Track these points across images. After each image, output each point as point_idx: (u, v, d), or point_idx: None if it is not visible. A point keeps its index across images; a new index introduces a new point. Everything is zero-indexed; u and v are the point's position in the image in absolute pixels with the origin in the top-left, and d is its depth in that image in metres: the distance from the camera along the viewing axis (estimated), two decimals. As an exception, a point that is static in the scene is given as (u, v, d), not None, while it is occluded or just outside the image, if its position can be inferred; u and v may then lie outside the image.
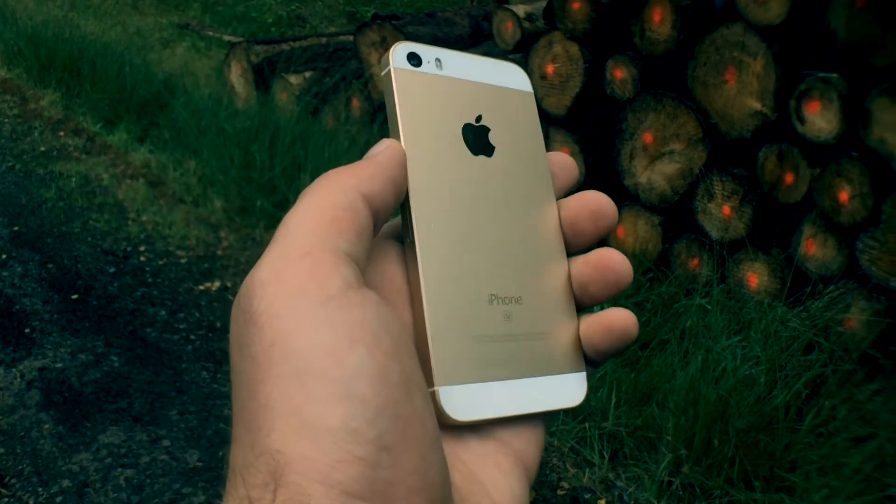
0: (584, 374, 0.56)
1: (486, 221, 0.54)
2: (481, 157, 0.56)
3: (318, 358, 0.41)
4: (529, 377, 0.53)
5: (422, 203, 0.52)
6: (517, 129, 0.59)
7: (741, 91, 3.87)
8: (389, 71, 0.55)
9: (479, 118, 0.57)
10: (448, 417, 0.47)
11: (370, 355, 0.41)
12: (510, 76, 0.61)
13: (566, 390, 0.55)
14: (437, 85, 0.57)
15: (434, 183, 0.53)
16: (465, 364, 0.49)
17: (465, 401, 0.48)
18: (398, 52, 0.56)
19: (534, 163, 0.59)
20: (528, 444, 0.52)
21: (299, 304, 0.42)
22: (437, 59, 0.57)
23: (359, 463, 0.39)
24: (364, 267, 0.46)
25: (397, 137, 0.53)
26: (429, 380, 0.47)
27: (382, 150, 0.51)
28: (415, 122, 0.54)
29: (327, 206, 0.46)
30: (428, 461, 0.42)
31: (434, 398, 0.47)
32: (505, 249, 0.54)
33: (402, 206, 0.52)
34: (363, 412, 0.40)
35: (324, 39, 6.95)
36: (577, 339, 0.56)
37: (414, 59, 0.56)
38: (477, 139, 0.56)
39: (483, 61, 0.60)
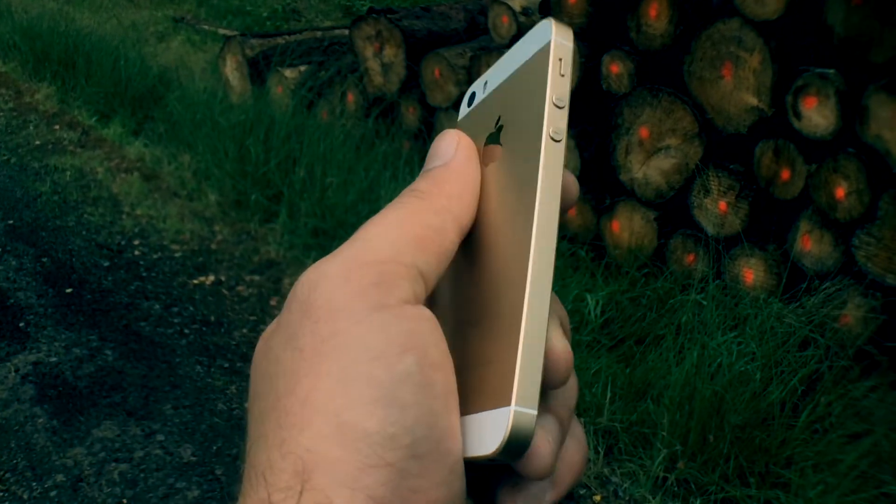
0: (507, 409, 0.42)
1: (483, 237, 0.49)
2: (491, 165, 0.50)
3: (367, 361, 0.41)
4: (464, 415, 0.44)
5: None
6: (525, 106, 0.49)
7: (738, 86, 3.86)
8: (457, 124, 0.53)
9: (497, 121, 0.51)
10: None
11: (418, 364, 0.41)
12: (536, 40, 0.50)
13: (483, 432, 0.43)
14: (475, 114, 0.54)
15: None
16: None
17: None
18: (463, 102, 0.55)
19: (530, 136, 0.48)
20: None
21: (358, 305, 0.42)
22: (485, 83, 0.55)
23: (388, 469, 0.40)
24: (432, 287, 0.46)
25: None
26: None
27: (455, 152, 0.50)
28: None
29: (417, 223, 0.46)
30: (454, 475, 0.42)
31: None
32: (486, 269, 0.48)
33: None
34: (402, 419, 0.40)
35: (319, 33, 6.94)
36: (511, 369, 0.43)
37: (471, 99, 0.55)
38: (491, 148, 0.51)
39: (519, 45, 0.52)
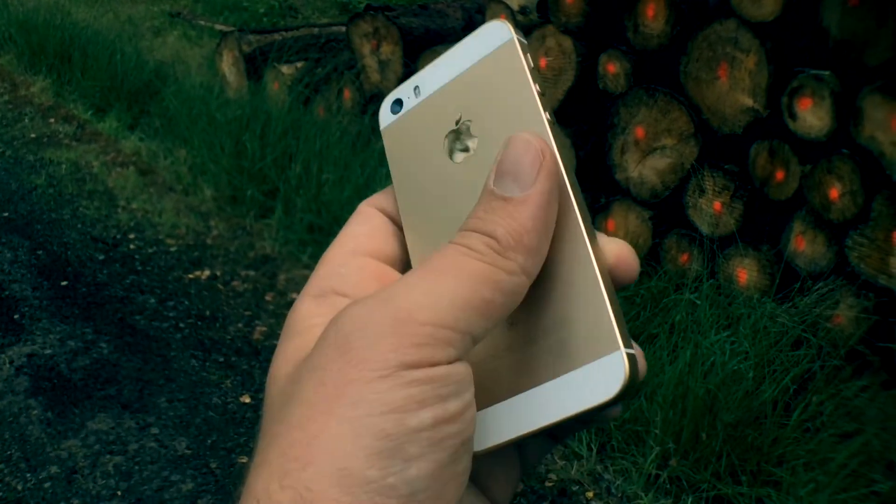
0: (617, 354, 0.44)
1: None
2: (470, 160, 0.51)
3: (380, 414, 0.41)
4: (539, 384, 0.46)
5: (409, 227, 0.51)
6: (498, 97, 0.51)
7: (733, 87, 3.88)
8: (381, 133, 0.54)
9: (458, 119, 0.52)
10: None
11: (433, 419, 0.41)
12: (487, 40, 0.52)
13: (590, 386, 0.45)
14: (417, 116, 0.54)
15: (421, 210, 0.51)
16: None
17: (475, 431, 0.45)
18: (382, 111, 0.55)
19: (525, 119, 0.49)
20: (504, 487, 0.52)
21: (392, 359, 0.42)
22: (415, 88, 0.55)
23: None
24: (478, 342, 0.45)
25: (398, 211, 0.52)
26: None
27: (537, 175, 0.47)
28: (405, 171, 0.52)
29: (487, 287, 0.44)
30: None
31: None
32: None
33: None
34: (404, 471, 0.41)
35: (316, 30, 6.94)
36: (606, 317, 0.45)
37: (396, 106, 0.55)
38: (461, 143, 0.52)
39: (460, 47, 0.54)
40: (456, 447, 0.42)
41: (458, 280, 0.44)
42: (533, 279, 0.46)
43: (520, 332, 0.48)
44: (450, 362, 0.42)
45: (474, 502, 0.50)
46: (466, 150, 0.51)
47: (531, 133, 0.48)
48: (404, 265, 0.53)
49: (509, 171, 0.47)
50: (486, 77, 0.52)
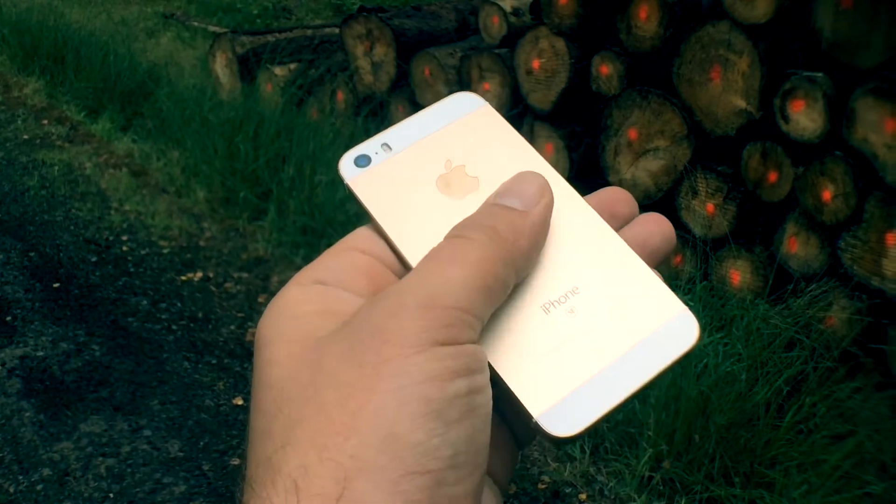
0: (682, 311, 0.52)
1: None
2: (469, 196, 0.55)
3: (421, 382, 0.43)
4: (617, 358, 0.50)
5: (411, 253, 0.53)
6: (490, 145, 0.58)
7: (726, 89, 3.88)
8: (346, 184, 0.56)
9: (448, 163, 0.57)
10: (561, 438, 0.48)
11: (467, 387, 0.44)
12: (460, 106, 0.60)
13: (669, 341, 0.51)
14: (396, 167, 0.57)
15: (422, 239, 0.53)
16: (549, 383, 0.49)
17: (565, 417, 0.48)
18: (344, 165, 0.57)
19: (523, 160, 0.57)
20: (504, 466, 0.54)
21: (425, 338, 0.44)
22: (384, 144, 0.58)
23: (428, 476, 0.42)
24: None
25: (386, 239, 0.53)
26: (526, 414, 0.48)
27: (539, 202, 0.52)
28: (395, 215, 0.54)
29: (489, 273, 0.48)
30: (480, 487, 0.45)
31: (539, 429, 0.48)
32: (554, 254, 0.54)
33: None
34: (447, 433, 0.43)
35: (309, 31, 6.94)
36: (657, 284, 0.54)
37: (362, 160, 0.57)
38: (457, 182, 0.56)
39: (428, 112, 0.60)
40: (485, 417, 0.46)
41: (472, 268, 0.47)
42: (519, 281, 0.51)
43: (577, 321, 0.51)
44: (473, 342, 0.46)
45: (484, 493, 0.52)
46: (468, 189, 0.56)
47: (536, 172, 0.53)
48: (396, 267, 0.54)
49: (513, 191, 0.52)
50: (470, 131, 0.58)
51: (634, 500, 3.13)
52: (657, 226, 0.56)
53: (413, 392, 0.43)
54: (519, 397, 0.48)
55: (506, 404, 0.50)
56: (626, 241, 0.54)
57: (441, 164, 0.57)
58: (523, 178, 0.53)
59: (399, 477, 0.41)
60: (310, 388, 0.44)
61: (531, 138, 4.70)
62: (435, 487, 0.42)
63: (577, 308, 0.51)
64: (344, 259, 0.52)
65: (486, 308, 0.47)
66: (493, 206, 0.51)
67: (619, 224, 0.56)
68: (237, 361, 3.86)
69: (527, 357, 0.49)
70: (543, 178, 0.53)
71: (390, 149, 0.58)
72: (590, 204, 0.56)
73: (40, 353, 3.80)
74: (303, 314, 0.48)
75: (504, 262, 0.48)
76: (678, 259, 4.12)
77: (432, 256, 0.48)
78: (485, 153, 0.57)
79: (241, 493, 0.46)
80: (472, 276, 0.46)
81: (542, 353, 0.49)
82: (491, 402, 0.46)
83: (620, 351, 0.50)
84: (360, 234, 0.53)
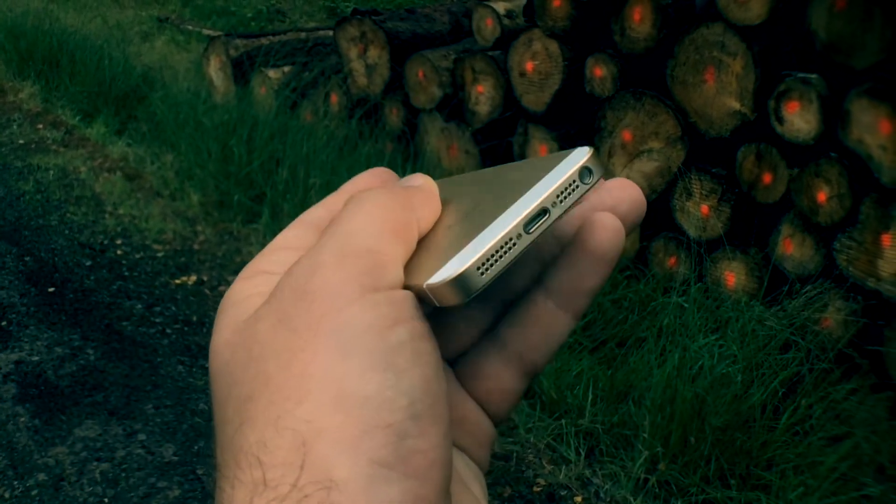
0: (574, 150, 0.48)
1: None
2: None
3: (361, 333, 0.42)
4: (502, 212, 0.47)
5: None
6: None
7: (720, 90, 3.88)
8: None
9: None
10: (461, 294, 0.45)
11: (409, 335, 0.43)
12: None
13: (560, 167, 0.48)
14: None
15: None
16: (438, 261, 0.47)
17: (451, 270, 0.46)
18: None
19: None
20: (478, 442, 0.54)
21: (351, 288, 0.43)
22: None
23: (388, 430, 0.41)
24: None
25: None
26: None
27: (423, 183, 0.52)
28: None
29: (392, 218, 0.47)
30: (447, 439, 0.44)
31: (428, 293, 0.46)
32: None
33: None
34: (398, 383, 0.42)
35: (303, 34, 6.94)
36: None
37: None
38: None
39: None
40: (435, 364, 0.44)
41: (371, 217, 0.47)
42: (423, 228, 0.50)
43: (465, 222, 0.49)
44: (396, 286, 0.45)
45: (457, 464, 0.51)
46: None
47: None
48: None
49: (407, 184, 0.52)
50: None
51: (630, 503, 3.13)
52: (622, 192, 0.54)
53: (354, 345, 0.42)
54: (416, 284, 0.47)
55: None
56: (593, 208, 0.52)
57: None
58: (412, 178, 0.53)
59: (359, 433, 0.40)
60: (251, 365, 0.44)
61: (525, 140, 4.70)
62: (398, 441, 0.41)
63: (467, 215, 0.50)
64: (285, 253, 0.51)
65: (396, 247, 0.47)
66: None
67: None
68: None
69: (427, 262, 0.48)
70: (425, 175, 0.53)
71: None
72: (594, 198, 0.53)
73: (35, 358, 3.80)
74: (241, 300, 0.48)
75: (403, 207, 0.48)
76: (673, 261, 4.12)
77: (334, 219, 0.48)
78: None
79: (214, 484, 0.45)
80: (376, 220, 0.46)
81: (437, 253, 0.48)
82: (438, 350, 0.45)
83: (512, 201, 0.47)
84: (291, 233, 0.52)
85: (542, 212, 0.46)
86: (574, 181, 0.47)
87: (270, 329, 0.44)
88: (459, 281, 0.45)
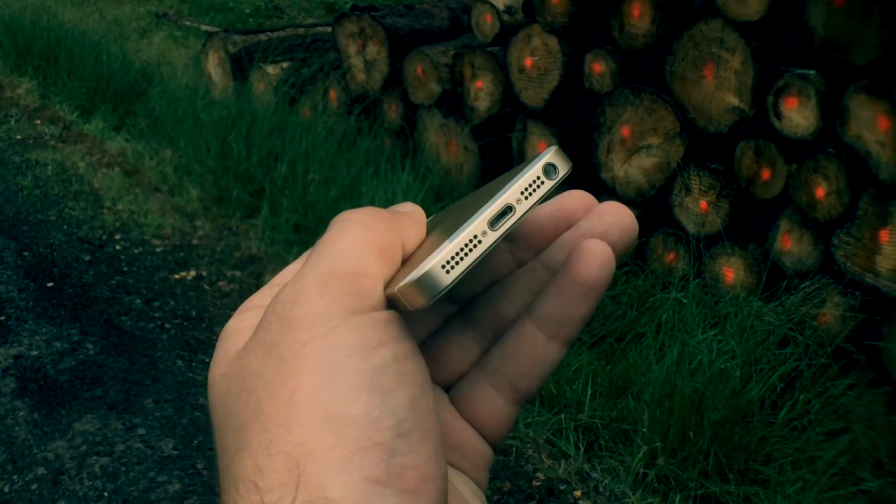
0: (543, 153, 0.50)
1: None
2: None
3: (345, 356, 0.43)
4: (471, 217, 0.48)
5: None
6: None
7: (719, 86, 3.89)
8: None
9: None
10: (427, 293, 0.46)
11: (393, 355, 0.44)
12: None
13: (527, 170, 0.49)
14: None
15: None
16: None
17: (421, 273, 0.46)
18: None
19: None
20: (474, 466, 0.54)
21: (335, 311, 0.44)
22: None
23: (378, 448, 0.42)
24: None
25: None
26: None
27: (411, 210, 0.53)
28: None
29: (376, 238, 0.48)
30: (439, 453, 0.44)
31: (398, 296, 0.46)
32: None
33: None
34: (384, 403, 0.43)
35: (302, 30, 6.94)
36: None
37: None
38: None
39: None
40: (421, 383, 0.45)
41: (355, 238, 0.47)
42: (407, 249, 0.50)
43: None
44: (379, 307, 0.46)
45: (457, 482, 0.52)
46: None
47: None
48: None
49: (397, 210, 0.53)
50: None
51: (629, 497, 3.14)
52: (613, 217, 0.53)
53: (340, 368, 0.43)
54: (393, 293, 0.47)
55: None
56: (583, 235, 0.53)
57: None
58: (403, 205, 0.54)
59: (350, 453, 0.41)
60: (243, 396, 0.45)
61: (524, 136, 4.71)
62: (389, 458, 0.42)
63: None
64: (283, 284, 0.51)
65: (381, 267, 0.47)
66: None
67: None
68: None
69: (403, 273, 0.48)
70: (414, 204, 0.54)
71: None
72: (546, 211, 0.55)
73: (34, 353, 3.80)
74: (232, 333, 0.49)
75: (388, 227, 0.49)
76: (671, 256, 4.13)
77: (318, 242, 0.48)
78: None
79: (214, 479, 0.46)
80: (359, 240, 0.47)
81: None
82: (424, 368, 0.46)
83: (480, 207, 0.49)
84: (294, 267, 0.52)
85: (507, 209, 0.47)
86: (538, 177, 0.49)
87: (259, 359, 0.45)
88: (424, 280, 0.46)
